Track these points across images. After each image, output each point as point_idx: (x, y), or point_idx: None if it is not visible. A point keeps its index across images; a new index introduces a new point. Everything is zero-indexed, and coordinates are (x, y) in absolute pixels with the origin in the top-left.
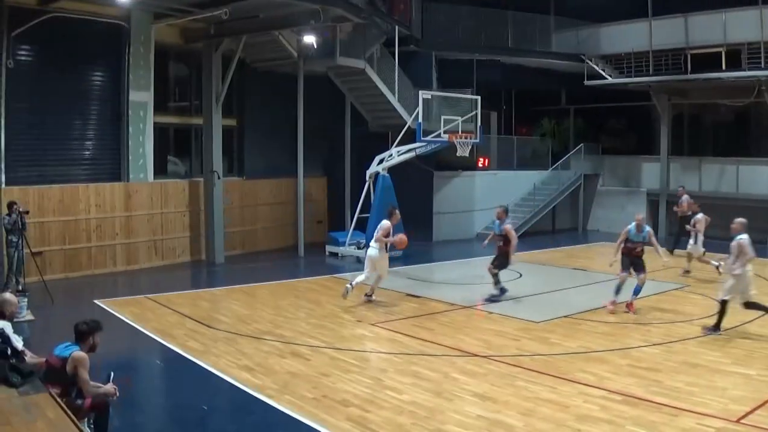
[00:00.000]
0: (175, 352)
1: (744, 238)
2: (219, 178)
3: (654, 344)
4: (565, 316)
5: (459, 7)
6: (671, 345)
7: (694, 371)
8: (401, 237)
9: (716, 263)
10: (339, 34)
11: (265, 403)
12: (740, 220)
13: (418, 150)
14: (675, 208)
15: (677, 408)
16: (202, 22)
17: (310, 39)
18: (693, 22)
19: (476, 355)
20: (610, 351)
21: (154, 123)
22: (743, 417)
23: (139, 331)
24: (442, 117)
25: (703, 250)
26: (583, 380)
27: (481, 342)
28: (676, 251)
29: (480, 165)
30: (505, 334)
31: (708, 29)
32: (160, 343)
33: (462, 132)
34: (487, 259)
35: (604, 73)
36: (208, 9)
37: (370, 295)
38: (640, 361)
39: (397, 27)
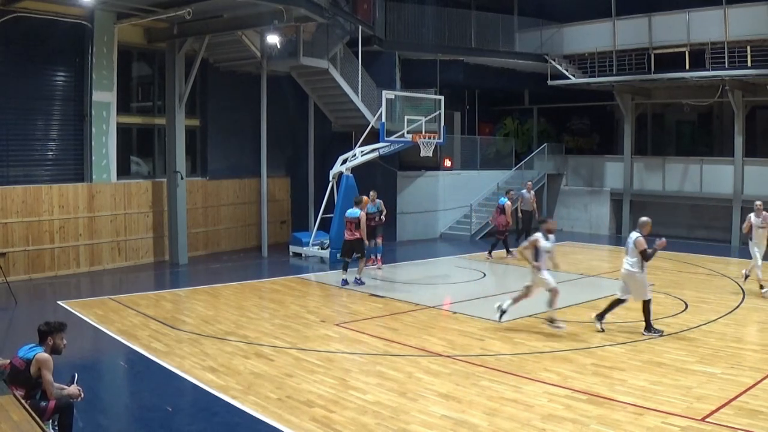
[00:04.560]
0: (139, 353)
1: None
2: (182, 178)
3: (618, 343)
4: (529, 316)
5: (422, 7)
6: (636, 344)
7: (658, 370)
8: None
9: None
10: (302, 34)
11: (229, 404)
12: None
13: (381, 150)
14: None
15: (642, 407)
16: (165, 22)
17: (273, 39)
18: (657, 21)
19: (440, 355)
20: (575, 350)
21: (117, 123)
22: (708, 416)
23: (103, 332)
24: (406, 117)
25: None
26: (547, 380)
27: (445, 342)
28: None
29: (444, 165)
30: (469, 333)
31: (672, 29)
32: (124, 344)
33: (425, 132)
34: (450, 259)
35: (567, 73)
36: (171, 9)
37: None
38: (605, 360)
39: (360, 27)
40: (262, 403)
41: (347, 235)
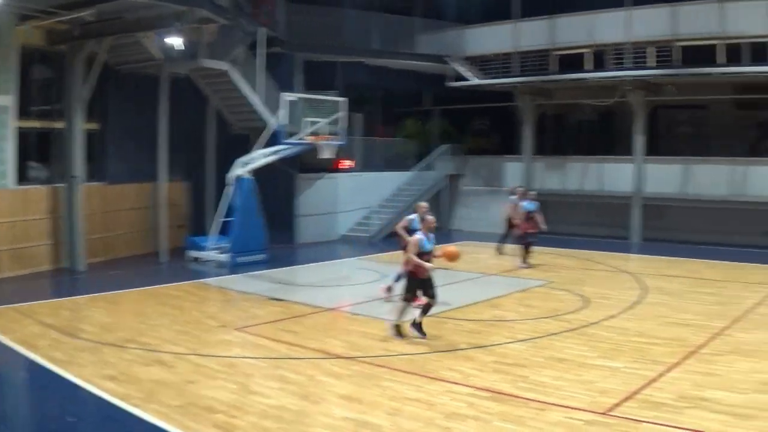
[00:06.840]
0: (39, 363)
1: None
2: (79, 182)
3: (519, 340)
4: (430, 315)
5: (324, 8)
6: (537, 341)
7: (560, 366)
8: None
9: None
10: (203, 36)
11: (130, 412)
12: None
13: (282, 152)
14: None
15: (544, 402)
16: (67, 24)
17: (173, 41)
18: (559, 23)
19: (342, 357)
20: (476, 348)
21: (16, 128)
22: (611, 409)
23: (1, 342)
24: (307, 119)
25: None
26: (449, 378)
27: (346, 344)
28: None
29: (340, 166)
30: (370, 335)
31: (574, 30)
32: (23, 355)
33: (326, 134)
34: (351, 261)
35: (468, 75)
36: (74, 10)
37: None
38: (506, 357)
39: (262, 29)
40: (163, 411)
41: None
